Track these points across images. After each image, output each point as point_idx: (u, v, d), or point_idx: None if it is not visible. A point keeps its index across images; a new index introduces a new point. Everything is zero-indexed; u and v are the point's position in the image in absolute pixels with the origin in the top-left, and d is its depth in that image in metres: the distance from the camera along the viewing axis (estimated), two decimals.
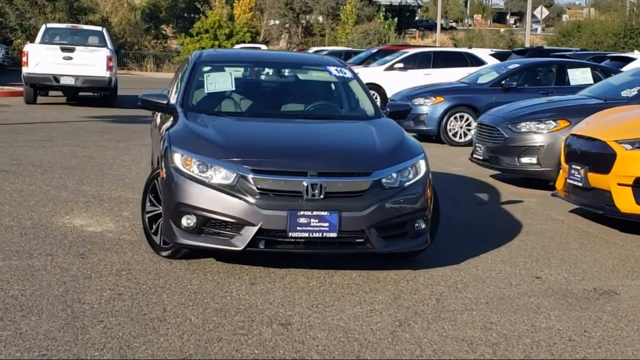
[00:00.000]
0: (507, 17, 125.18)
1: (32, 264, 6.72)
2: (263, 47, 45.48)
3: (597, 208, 8.80)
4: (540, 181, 11.55)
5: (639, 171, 8.28)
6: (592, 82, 16.70)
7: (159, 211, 7.08)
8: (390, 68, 23.51)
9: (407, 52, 24.52)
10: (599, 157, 8.66)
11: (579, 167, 8.94)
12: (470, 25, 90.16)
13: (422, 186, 6.83)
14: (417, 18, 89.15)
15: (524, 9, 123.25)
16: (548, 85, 17.04)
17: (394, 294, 6.31)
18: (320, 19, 66.88)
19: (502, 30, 68.71)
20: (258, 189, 6.39)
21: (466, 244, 8.01)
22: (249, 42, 50.28)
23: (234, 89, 7.93)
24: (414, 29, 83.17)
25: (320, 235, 6.40)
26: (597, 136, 8.81)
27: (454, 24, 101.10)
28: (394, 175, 6.68)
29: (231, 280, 6.48)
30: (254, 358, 4.95)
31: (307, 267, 6.88)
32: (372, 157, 6.76)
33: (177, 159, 6.66)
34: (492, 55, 25.81)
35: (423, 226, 6.83)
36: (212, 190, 6.44)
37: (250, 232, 6.37)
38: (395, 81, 22.50)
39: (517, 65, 17.46)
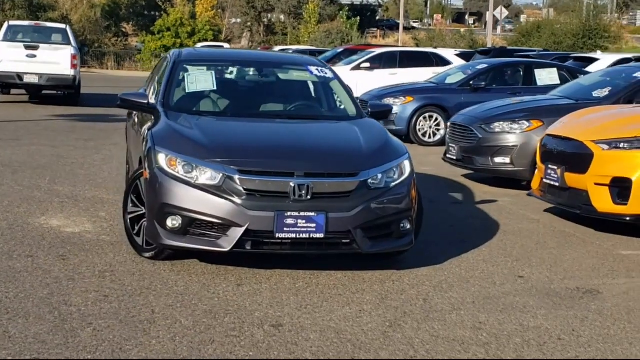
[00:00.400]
0: (466, 17, 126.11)
1: (12, 265, 6.63)
2: (226, 45, 45.30)
3: (574, 208, 8.88)
4: (513, 181, 11.64)
5: (616, 171, 8.36)
6: (558, 82, 16.89)
7: (141, 212, 7.01)
8: (357, 68, 23.50)
9: (373, 51, 24.55)
10: (576, 157, 8.74)
11: (555, 167, 9.01)
12: (430, 25, 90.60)
13: (407, 187, 6.85)
14: (377, 18, 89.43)
15: (482, 9, 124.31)
16: (515, 85, 17.20)
17: (381, 295, 6.31)
18: (282, 17, 66.83)
19: (462, 30, 69.08)
20: (245, 189, 6.35)
21: (447, 244, 8.04)
22: (211, 41, 50.05)
23: (215, 88, 7.87)
24: (375, 29, 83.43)
25: (307, 236, 6.39)
26: (574, 136, 8.88)
27: (417, 24, 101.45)
28: (380, 175, 6.68)
29: (217, 281, 6.44)
30: (249, 359, 4.93)
31: (292, 267, 6.85)
32: (358, 157, 6.76)
33: (162, 159, 6.60)
34: (457, 55, 25.94)
35: (408, 226, 6.84)
36: (198, 190, 6.40)
37: (237, 233, 6.34)
38: (362, 81, 22.48)
39: (485, 66, 17.57)
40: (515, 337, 5.51)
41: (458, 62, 24.37)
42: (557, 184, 8.99)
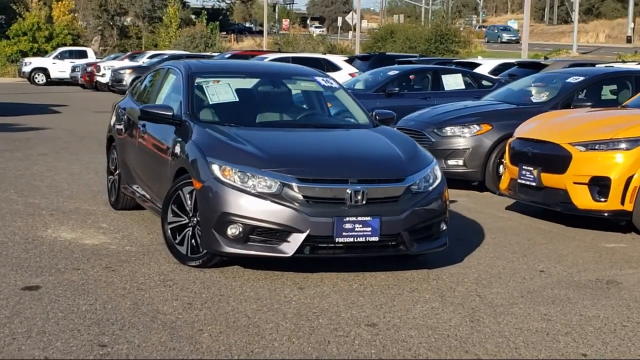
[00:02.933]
0: (308, 21, 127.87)
1: (69, 278, 6.65)
2: (90, 51, 44.36)
3: (552, 205, 9.52)
4: (459, 181, 12.27)
5: (595, 171, 9.05)
6: (463, 87, 17.87)
7: (183, 222, 7.15)
8: None
9: (265, 57, 24.89)
10: (554, 159, 9.37)
11: (531, 168, 9.63)
12: (280, 30, 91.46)
13: (441, 190, 7.30)
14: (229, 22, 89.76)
15: (325, 14, 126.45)
16: (425, 90, 17.93)
17: (436, 293, 6.69)
18: (131, 20, 66.04)
19: (314, 35, 70.16)
20: (304, 196, 6.62)
21: (451, 243, 8.45)
22: (69, 45, 48.88)
23: (236, 99, 8.06)
24: (225, 33, 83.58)
25: (363, 239, 6.73)
26: (550, 139, 9.53)
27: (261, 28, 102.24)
28: (418, 180, 7.09)
29: (278, 285, 6.66)
30: (377, 357, 5.22)
31: (334, 270, 7.14)
32: (401, 164, 7.15)
33: (216, 169, 6.78)
34: (346, 61, 26.62)
35: (444, 228, 7.31)
36: (258, 199, 6.62)
37: (298, 238, 6.60)
38: None
39: (397, 72, 18.20)
40: (586, 326, 6.01)
41: (347, 67, 25.05)
42: (533, 184, 9.62)
